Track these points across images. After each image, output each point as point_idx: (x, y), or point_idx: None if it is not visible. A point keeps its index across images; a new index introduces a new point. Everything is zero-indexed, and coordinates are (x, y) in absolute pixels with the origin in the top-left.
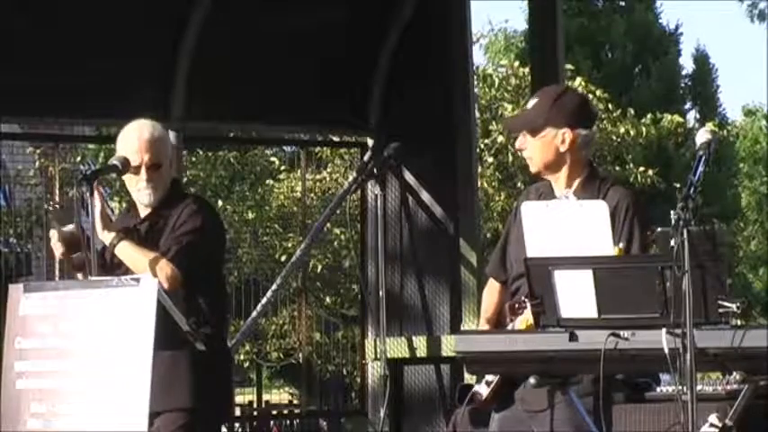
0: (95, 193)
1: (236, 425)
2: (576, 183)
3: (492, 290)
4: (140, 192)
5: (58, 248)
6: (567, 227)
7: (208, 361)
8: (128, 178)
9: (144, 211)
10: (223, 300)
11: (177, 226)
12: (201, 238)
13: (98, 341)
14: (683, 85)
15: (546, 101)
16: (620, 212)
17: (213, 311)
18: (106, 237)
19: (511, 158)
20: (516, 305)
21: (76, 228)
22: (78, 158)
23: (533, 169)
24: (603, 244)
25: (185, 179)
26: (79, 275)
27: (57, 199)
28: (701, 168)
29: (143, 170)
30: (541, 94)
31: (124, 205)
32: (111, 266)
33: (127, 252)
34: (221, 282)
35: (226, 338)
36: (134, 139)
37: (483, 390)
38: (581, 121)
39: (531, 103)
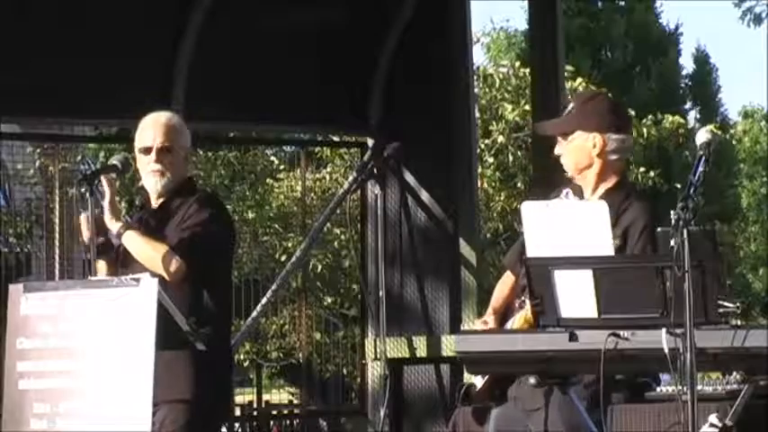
0: (105, 182)
1: (236, 425)
2: (603, 189)
3: (506, 282)
4: (149, 174)
5: (86, 231)
6: (567, 227)
7: (208, 357)
8: (139, 162)
9: (155, 203)
10: (228, 296)
11: (185, 219)
12: (207, 233)
13: (99, 341)
14: (683, 85)
15: (577, 105)
16: (635, 230)
17: (217, 307)
18: (113, 225)
19: (511, 158)
20: (519, 304)
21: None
22: (78, 158)
23: (569, 174)
24: (603, 244)
25: None
26: (101, 262)
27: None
28: (700, 168)
29: (153, 152)
30: (574, 99)
31: (123, 205)
32: (124, 260)
33: (133, 241)
34: (227, 278)
35: (228, 335)
36: (150, 122)
37: (478, 382)
38: (611, 126)
39: (567, 108)
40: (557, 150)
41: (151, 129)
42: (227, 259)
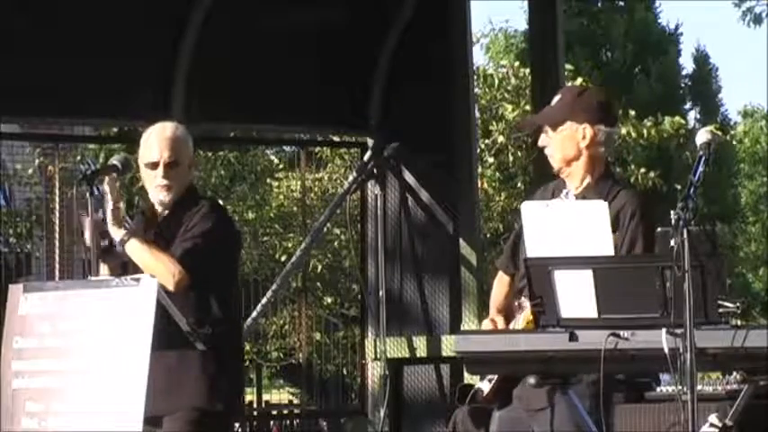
0: (109, 189)
1: (236, 425)
2: (588, 180)
3: (502, 282)
4: (156, 189)
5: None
6: (567, 227)
7: (219, 361)
8: (145, 175)
9: (160, 214)
10: (235, 302)
11: (189, 228)
12: (211, 241)
13: (96, 341)
14: (683, 85)
15: (568, 97)
16: (625, 216)
17: (224, 312)
18: (116, 233)
19: (511, 158)
20: (519, 304)
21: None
22: (78, 158)
23: (555, 166)
24: (603, 244)
25: None
26: (103, 268)
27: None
28: (701, 168)
29: (161, 167)
30: (564, 91)
31: (122, 205)
32: (129, 268)
33: (136, 250)
34: (233, 284)
35: (237, 339)
36: (155, 135)
37: (485, 386)
38: (602, 118)
39: (554, 99)
40: (541, 141)
41: (156, 143)
42: (232, 266)
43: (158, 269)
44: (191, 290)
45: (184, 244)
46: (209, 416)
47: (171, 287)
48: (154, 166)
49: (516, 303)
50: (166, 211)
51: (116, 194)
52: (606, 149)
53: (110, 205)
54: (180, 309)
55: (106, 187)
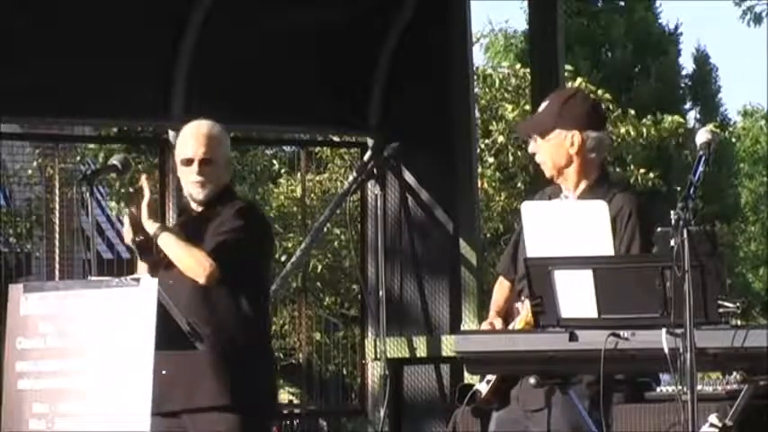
0: (146, 183)
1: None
2: (584, 185)
3: (502, 287)
4: (190, 185)
5: (128, 234)
6: (567, 227)
7: (249, 358)
8: (181, 171)
9: (195, 211)
10: (265, 300)
11: (222, 223)
12: (242, 238)
13: (99, 341)
14: (682, 85)
15: (555, 104)
16: (622, 219)
17: (255, 310)
18: (150, 226)
19: (511, 158)
20: (517, 309)
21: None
22: (78, 158)
23: (547, 174)
24: (603, 244)
25: None
26: (142, 264)
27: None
28: (700, 168)
29: (195, 163)
30: (551, 98)
31: (123, 205)
32: (163, 264)
33: (169, 243)
34: (264, 281)
35: (267, 338)
36: (191, 132)
37: (483, 388)
38: (590, 124)
39: (542, 106)
40: (530, 149)
41: (192, 140)
42: (263, 265)
43: (190, 262)
44: (221, 284)
45: (217, 238)
46: (246, 413)
47: (202, 280)
48: (189, 162)
49: (516, 306)
50: (200, 208)
51: (153, 189)
52: (598, 154)
53: (146, 199)
54: (209, 305)
55: (144, 183)
